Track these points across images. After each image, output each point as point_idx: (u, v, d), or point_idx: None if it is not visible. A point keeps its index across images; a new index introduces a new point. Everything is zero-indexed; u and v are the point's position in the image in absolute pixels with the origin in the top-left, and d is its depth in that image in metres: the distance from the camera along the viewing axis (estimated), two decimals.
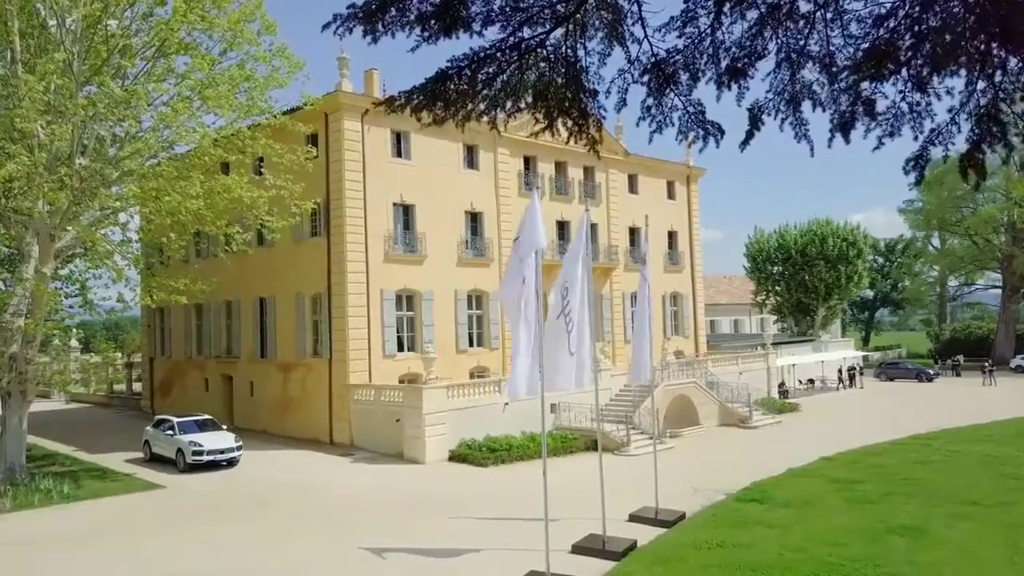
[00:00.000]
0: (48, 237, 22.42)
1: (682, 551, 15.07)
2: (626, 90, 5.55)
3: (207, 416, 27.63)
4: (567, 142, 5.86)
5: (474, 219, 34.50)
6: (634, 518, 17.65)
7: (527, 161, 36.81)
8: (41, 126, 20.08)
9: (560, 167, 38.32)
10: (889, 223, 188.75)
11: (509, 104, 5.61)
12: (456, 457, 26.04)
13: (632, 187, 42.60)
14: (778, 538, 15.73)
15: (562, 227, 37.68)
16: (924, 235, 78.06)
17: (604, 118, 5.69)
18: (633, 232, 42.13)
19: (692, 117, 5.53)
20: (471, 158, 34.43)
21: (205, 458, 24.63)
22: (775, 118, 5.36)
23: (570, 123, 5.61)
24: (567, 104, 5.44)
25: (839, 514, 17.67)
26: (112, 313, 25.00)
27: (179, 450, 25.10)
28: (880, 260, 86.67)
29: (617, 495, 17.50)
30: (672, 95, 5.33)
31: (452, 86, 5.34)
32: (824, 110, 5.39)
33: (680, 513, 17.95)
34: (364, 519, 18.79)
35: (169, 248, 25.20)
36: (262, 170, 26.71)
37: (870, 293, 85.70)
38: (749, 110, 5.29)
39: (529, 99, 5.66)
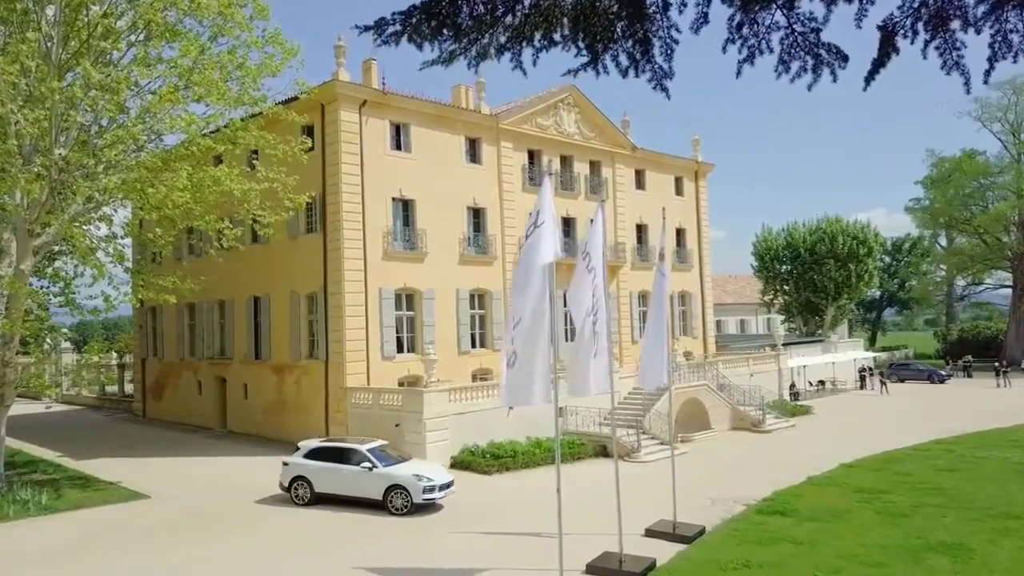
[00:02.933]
0: (26, 232, 21.16)
1: (705, 571, 13.89)
2: (708, 2, 4.06)
3: (383, 440, 22.09)
4: (624, 76, 4.51)
5: (476, 215, 33.22)
6: (651, 533, 16.43)
7: (531, 155, 35.54)
8: (13, 111, 18.78)
9: (565, 161, 37.06)
10: (892, 223, 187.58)
11: (538, 36, 4.32)
12: (458, 464, 24.76)
13: (639, 183, 41.28)
14: (808, 557, 14.53)
15: (567, 223, 36.37)
16: (931, 234, 76.74)
17: (677, 42, 4.34)
18: (640, 229, 40.86)
19: (799, 39, 4.00)
20: (473, 151, 33.17)
21: (437, 495, 19.33)
22: (912, 41, 3.90)
23: (624, 57, 4.31)
24: (621, 29, 4.14)
25: (871, 529, 16.45)
26: (95, 312, 23.40)
27: (392, 487, 19.26)
28: (887, 259, 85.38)
29: (630, 505, 16.24)
30: (773, 9, 4.01)
31: (465, 9, 4.06)
32: (978, 31, 3.83)
33: (700, 527, 16.74)
34: (360, 532, 17.55)
35: (155, 244, 23.91)
36: (254, 163, 25.45)
37: (877, 293, 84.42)
38: (880, 28, 3.88)
39: (566, 30, 4.39)
